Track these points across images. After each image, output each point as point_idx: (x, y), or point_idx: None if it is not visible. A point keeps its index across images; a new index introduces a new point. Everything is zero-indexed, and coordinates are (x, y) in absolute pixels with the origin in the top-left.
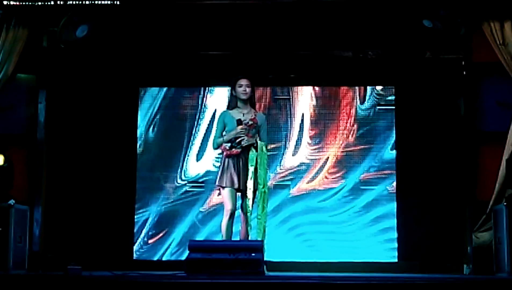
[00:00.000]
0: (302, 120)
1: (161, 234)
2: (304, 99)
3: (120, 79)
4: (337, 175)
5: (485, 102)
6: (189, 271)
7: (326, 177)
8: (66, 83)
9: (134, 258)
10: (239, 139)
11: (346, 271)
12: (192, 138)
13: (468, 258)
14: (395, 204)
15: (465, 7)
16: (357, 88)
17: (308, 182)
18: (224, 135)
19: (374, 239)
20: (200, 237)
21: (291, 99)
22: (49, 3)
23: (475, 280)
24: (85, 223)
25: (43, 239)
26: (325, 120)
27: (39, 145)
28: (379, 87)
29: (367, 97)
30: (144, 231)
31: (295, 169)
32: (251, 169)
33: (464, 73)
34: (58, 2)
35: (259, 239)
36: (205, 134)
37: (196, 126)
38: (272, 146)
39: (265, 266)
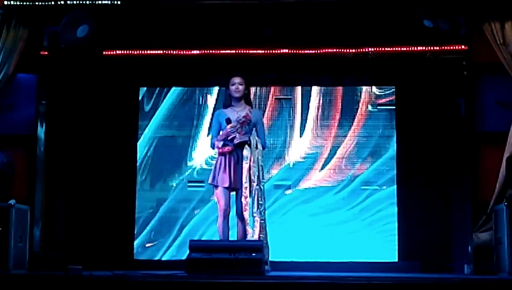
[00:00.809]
0: (302, 120)
1: (161, 234)
2: (305, 99)
3: (120, 79)
4: (337, 175)
5: (485, 102)
6: (190, 271)
7: (326, 177)
8: (67, 83)
9: (134, 258)
10: (231, 137)
11: (346, 271)
12: (192, 138)
13: (468, 258)
14: (395, 204)
15: (466, 7)
16: (357, 88)
17: (308, 182)
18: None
19: (374, 239)
20: (200, 237)
21: (291, 99)
22: (49, 3)
23: (476, 280)
24: (85, 223)
25: (44, 239)
26: (326, 120)
27: (39, 145)
28: (379, 87)
29: (367, 97)
30: (144, 231)
31: (295, 169)
32: (245, 166)
33: (465, 73)
34: (59, 2)
35: (256, 238)
36: (206, 134)
37: (196, 126)
38: (273, 145)
39: (268, 264)
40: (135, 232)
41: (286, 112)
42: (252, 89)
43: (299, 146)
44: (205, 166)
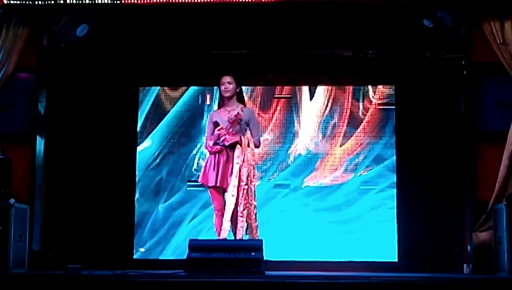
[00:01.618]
0: (302, 120)
1: (161, 233)
2: (305, 98)
3: (120, 78)
4: (337, 174)
5: (485, 102)
6: (189, 270)
7: (325, 177)
8: (66, 82)
9: (134, 257)
10: (221, 138)
11: (346, 271)
12: (192, 138)
13: (468, 258)
14: (395, 204)
15: (465, 6)
16: (357, 87)
17: (307, 182)
18: None
19: (374, 238)
20: (200, 236)
21: (291, 99)
22: (49, 2)
23: (475, 280)
24: (85, 222)
25: (43, 238)
26: (325, 119)
27: (39, 144)
28: (379, 87)
29: (367, 97)
30: (144, 230)
31: (294, 169)
32: (236, 166)
33: (464, 72)
34: (59, 1)
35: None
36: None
37: (196, 126)
38: (272, 145)
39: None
40: (135, 231)
41: (286, 112)
42: (252, 89)
43: (299, 146)
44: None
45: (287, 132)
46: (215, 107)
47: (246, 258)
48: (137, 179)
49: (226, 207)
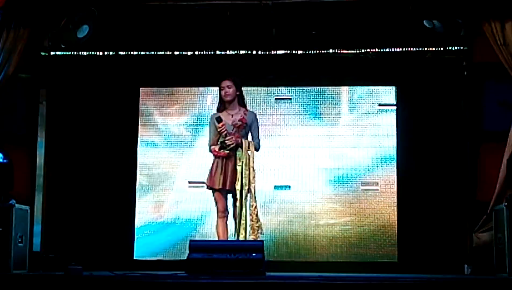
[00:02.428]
0: (303, 120)
1: (162, 233)
2: (305, 98)
3: (120, 79)
4: (337, 174)
5: (486, 102)
6: (190, 271)
7: (325, 177)
8: (67, 83)
9: (134, 258)
10: (228, 143)
11: (346, 271)
12: (193, 139)
13: (468, 258)
14: (395, 204)
15: (466, 7)
16: (358, 88)
17: (307, 182)
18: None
19: (374, 238)
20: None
21: (291, 99)
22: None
23: (476, 280)
24: (85, 223)
25: (44, 239)
26: (326, 119)
27: (39, 145)
28: (380, 87)
29: (368, 97)
30: (145, 231)
31: (295, 169)
32: (238, 169)
33: (465, 73)
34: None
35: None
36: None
37: (197, 126)
38: (272, 145)
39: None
40: (135, 232)
41: (286, 112)
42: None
43: (299, 146)
44: (206, 167)
45: (287, 133)
46: (214, 110)
47: (247, 259)
48: (137, 179)
49: (228, 209)
